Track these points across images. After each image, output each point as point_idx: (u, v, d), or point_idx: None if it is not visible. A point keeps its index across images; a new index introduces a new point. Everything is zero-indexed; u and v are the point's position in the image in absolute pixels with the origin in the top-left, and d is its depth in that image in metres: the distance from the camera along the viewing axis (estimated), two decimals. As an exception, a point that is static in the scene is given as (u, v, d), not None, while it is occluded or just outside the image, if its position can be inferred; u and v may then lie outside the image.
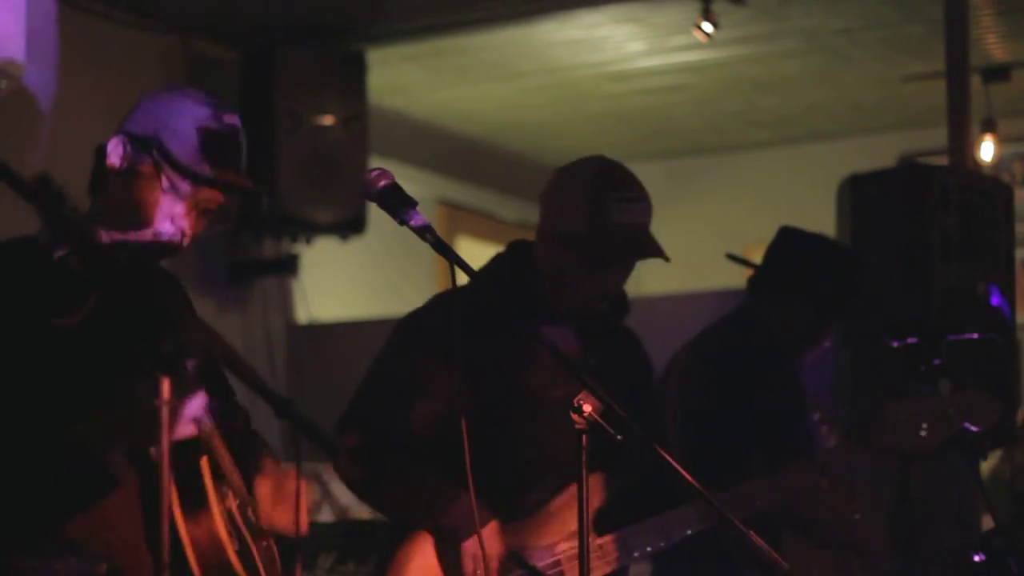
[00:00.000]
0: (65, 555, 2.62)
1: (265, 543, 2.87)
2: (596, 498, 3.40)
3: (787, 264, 4.21)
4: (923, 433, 3.52)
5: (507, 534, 3.32)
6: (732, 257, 4.48)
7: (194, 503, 2.64)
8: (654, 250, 3.35)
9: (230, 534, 2.70)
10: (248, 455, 2.94)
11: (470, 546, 3.25)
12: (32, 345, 2.62)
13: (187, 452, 2.63)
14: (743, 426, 3.98)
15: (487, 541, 3.23)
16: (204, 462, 2.69)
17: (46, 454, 2.57)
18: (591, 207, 3.33)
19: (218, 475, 2.74)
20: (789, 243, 4.27)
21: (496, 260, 3.52)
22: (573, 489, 3.22)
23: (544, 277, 3.41)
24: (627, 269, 3.43)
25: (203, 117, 2.77)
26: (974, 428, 3.52)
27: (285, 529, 2.91)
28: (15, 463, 2.58)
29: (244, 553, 2.73)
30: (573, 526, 3.31)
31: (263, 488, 2.92)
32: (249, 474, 2.92)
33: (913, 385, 3.81)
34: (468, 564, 3.26)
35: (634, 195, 3.37)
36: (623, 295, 3.52)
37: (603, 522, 3.42)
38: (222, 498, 2.73)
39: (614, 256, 3.36)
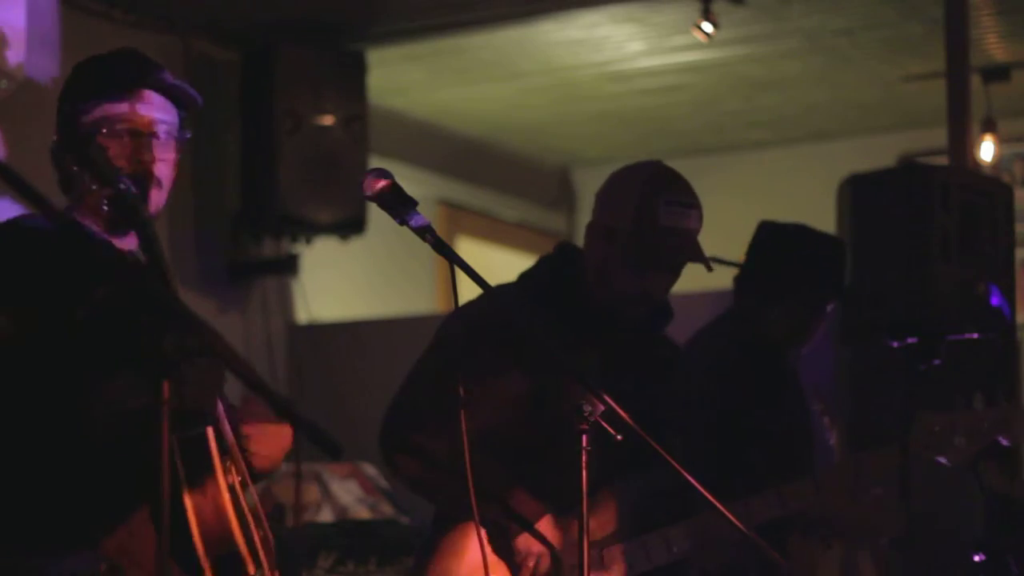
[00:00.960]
0: (65, 554, 2.61)
1: (262, 532, 2.86)
2: (610, 509, 3.39)
3: (770, 259, 4.20)
4: (956, 444, 3.59)
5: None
6: (715, 260, 4.47)
7: (199, 472, 2.62)
8: (695, 255, 3.36)
9: (234, 507, 2.69)
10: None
11: (522, 541, 3.27)
12: (47, 333, 2.61)
13: (193, 422, 2.62)
14: (742, 425, 3.98)
15: (543, 535, 3.27)
16: (210, 432, 2.69)
17: (61, 440, 2.56)
18: (639, 206, 3.35)
19: (223, 450, 2.74)
20: (770, 238, 4.26)
21: (542, 262, 3.53)
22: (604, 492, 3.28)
23: (588, 273, 3.42)
24: (670, 274, 3.42)
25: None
26: (1006, 442, 3.61)
27: (259, 462, 2.87)
28: (27, 460, 2.58)
29: (244, 529, 2.72)
30: (609, 528, 3.36)
31: (249, 428, 2.88)
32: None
33: (913, 385, 3.82)
34: (520, 558, 3.28)
35: (684, 200, 3.39)
36: (666, 303, 3.51)
37: (632, 527, 3.41)
38: (226, 472, 2.72)
39: (655, 258, 3.37)
